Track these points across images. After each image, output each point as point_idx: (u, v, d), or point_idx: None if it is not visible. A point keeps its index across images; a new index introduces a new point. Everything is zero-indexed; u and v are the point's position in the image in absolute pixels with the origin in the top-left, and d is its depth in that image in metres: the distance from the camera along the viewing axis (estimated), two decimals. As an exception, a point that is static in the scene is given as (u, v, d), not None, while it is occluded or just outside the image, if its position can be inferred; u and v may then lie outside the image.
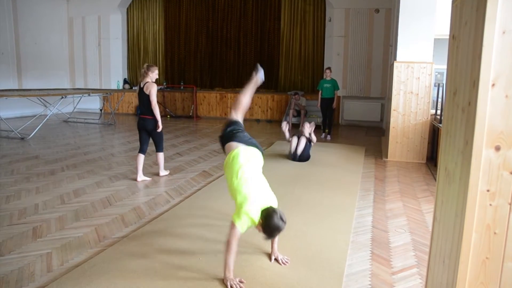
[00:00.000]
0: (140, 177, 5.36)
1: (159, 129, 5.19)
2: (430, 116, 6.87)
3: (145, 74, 5.13)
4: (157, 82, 14.32)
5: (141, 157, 5.32)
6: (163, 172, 5.63)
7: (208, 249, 3.22)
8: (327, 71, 9.03)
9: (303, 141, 6.51)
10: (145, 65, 5.17)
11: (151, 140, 5.38)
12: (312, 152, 7.23)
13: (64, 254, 3.19)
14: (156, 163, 5.70)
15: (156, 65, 5.23)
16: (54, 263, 3.04)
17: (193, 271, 2.87)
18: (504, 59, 1.38)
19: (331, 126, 9.22)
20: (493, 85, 1.41)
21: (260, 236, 3.09)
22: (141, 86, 5.16)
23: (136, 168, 5.38)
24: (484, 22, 1.39)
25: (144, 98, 5.12)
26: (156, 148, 5.44)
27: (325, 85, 8.94)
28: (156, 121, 5.15)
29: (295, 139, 6.59)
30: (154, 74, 5.16)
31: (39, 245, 3.36)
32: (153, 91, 5.08)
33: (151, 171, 5.83)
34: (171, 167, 6.12)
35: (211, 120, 12.47)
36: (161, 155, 5.48)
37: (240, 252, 3.16)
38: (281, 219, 2.65)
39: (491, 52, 1.39)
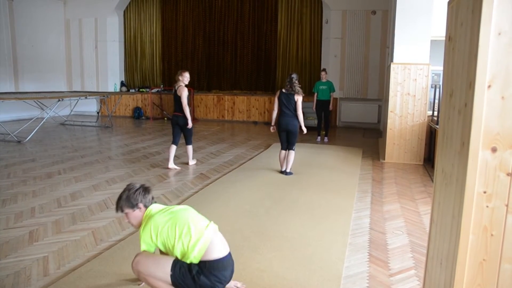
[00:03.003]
0: (171, 165, 6.16)
1: (190, 126, 6.02)
2: (427, 118, 6.88)
3: (178, 78, 5.96)
4: (155, 84, 14.10)
5: (173, 147, 6.17)
6: (191, 162, 6.40)
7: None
8: (323, 73, 9.00)
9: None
10: (179, 71, 6.02)
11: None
12: (309, 153, 7.24)
13: (60, 258, 3.18)
14: (185, 154, 6.52)
15: (185, 70, 6.20)
16: (50, 267, 3.02)
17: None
18: (500, 61, 1.38)
19: (327, 128, 9.21)
20: (489, 86, 1.40)
21: (256, 239, 3.08)
22: (175, 88, 5.98)
23: (168, 157, 6.20)
24: (480, 24, 1.39)
25: (177, 99, 5.97)
26: (186, 141, 6.23)
27: (321, 87, 8.90)
28: (186, 118, 5.95)
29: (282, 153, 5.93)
30: (184, 78, 5.96)
31: (35, 249, 3.34)
32: (183, 94, 5.92)
33: (179, 161, 6.61)
34: (169, 169, 6.12)
35: (209, 122, 12.46)
36: (190, 147, 6.28)
37: (237, 254, 3.15)
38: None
39: (487, 54, 1.39)
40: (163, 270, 2.32)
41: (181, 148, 6.85)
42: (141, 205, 2.47)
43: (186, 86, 6.05)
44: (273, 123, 5.96)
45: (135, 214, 2.47)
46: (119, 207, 2.49)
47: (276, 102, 5.81)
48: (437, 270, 1.88)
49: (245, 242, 3.39)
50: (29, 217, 4.06)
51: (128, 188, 2.52)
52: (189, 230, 2.33)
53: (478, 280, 1.50)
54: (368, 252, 3.34)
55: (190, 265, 2.31)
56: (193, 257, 2.30)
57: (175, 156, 6.36)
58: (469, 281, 1.51)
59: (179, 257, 2.34)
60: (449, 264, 1.63)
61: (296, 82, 5.72)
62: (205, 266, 2.29)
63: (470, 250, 1.49)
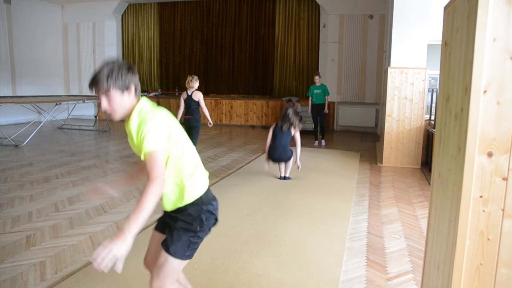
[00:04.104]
0: None
1: (211, 125, 6.89)
2: (425, 122, 6.90)
3: (192, 83, 6.36)
4: (153, 88, 14.28)
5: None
6: None
7: (203, 257, 3.20)
8: (316, 77, 9.00)
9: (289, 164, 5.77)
10: (189, 77, 6.42)
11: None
12: (307, 157, 7.24)
13: (58, 262, 3.17)
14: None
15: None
16: (47, 271, 3.01)
17: (188, 279, 2.85)
18: (495, 66, 1.40)
19: (324, 132, 9.21)
20: (485, 91, 1.41)
21: (254, 243, 3.07)
22: (189, 93, 6.36)
23: None
24: (475, 29, 1.41)
25: (191, 103, 6.35)
26: (192, 142, 6.26)
27: (315, 91, 8.92)
28: (196, 120, 6.44)
29: (282, 165, 5.76)
30: (197, 83, 6.43)
31: (32, 253, 3.33)
32: (201, 97, 6.39)
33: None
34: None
35: (206, 126, 12.45)
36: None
37: (235, 259, 3.15)
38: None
39: (483, 59, 1.40)
40: (181, 261, 1.92)
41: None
42: (132, 87, 1.82)
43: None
44: (267, 157, 5.73)
45: (123, 99, 1.79)
46: (105, 85, 1.75)
47: (270, 134, 5.68)
48: (434, 275, 1.89)
49: (243, 247, 3.39)
50: (26, 221, 4.05)
51: (115, 62, 1.80)
52: (197, 156, 1.98)
53: (475, 284, 1.51)
54: (365, 256, 3.34)
55: (190, 224, 1.91)
56: (194, 189, 1.90)
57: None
58: (466, 285, 1.52)
59: (176, 178, 1.89)
60: (446, 269, 1.64)
61: (293, 116, 5.58)
62: (202, 202, 1.93)
63: (466, 255, 1.50)
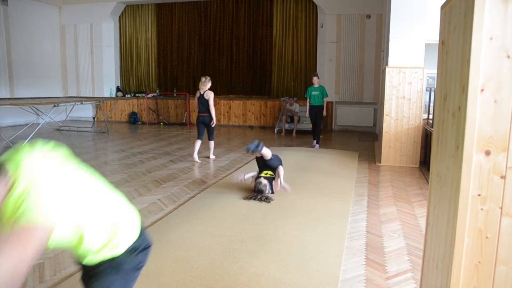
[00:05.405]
0: (195, 157, 7.12)
1: (214, 124, 7.12)
2: (423, 121, 6.91)
3: (205, 84, 7.02)
4: (151, 89, 14.32)
5: (198, 142, 7.16)
6: (212, 156, 7.41)
7: (202, 257, 3.21)
8: (315, 78, 8.77)
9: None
10: (203, 78, 7.11)
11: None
12: (306, 158, 7.24)
13: (57, 264, 3.16)
14: (208, 148, 7.50)
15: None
16: (46, 273, 3.01)
17: (187, 279, 2.85)
18: (492, 65, 1.40)
19: (319, 134, 8.92)
20: (482, 90, 1.42)
21: (253, 243, 3.06)
22: (202, 93, 7.02)
23: (193, 150, 7.19)
24: (472, 28, 1.41)
25: (204, 101, 7.00)
26: (209, 137, 7.25)
27: (313, 92, 8.68)
28: (211, 117, 7.02)
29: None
30: (210, 83, 7.10)
31: (31, 255, 3.31)
32: (211, 96, 7.01)
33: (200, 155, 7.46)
34: (165, 174, 6.11)
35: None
36: (212, 143, 7.35)
37: (234, 259, 3.15)
38: None
39: (479, 58, 1.41)
40: None
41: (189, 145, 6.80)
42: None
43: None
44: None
45: None
46: None
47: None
48: (433, 273, 1.89)
49: (242, 246, 3.39)
50: (24, 223, 4.04)
51: None
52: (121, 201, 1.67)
53: (473, 282, 1.51)
54: (365, 255, 3.34)
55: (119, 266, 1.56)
56: (127, 240, 1.56)
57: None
58: (465, 283, 1.52)
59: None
60: (445, 267, 1.64)
61: (265, 194, 4.83)
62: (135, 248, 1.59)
63: (465, 253, 1.50)
